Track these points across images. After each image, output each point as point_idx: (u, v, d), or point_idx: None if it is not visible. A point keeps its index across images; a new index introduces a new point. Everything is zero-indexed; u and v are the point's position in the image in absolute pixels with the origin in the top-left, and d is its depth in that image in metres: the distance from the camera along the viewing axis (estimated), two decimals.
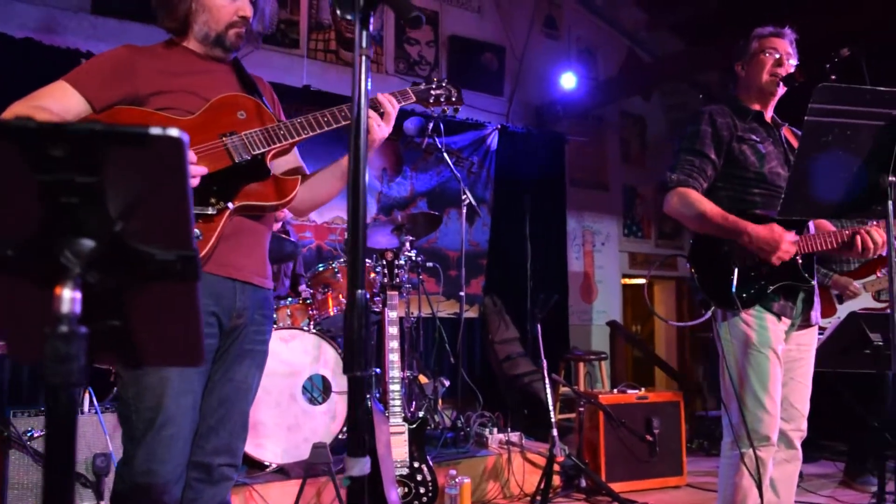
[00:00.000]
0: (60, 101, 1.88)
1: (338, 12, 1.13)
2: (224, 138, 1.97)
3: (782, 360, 2.69)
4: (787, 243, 2.55)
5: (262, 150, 1.99)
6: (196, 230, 1.84)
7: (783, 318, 2.66)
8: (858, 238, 2.66)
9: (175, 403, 1.84)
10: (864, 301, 4.60)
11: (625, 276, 8.77)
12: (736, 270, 2.66)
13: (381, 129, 2.06)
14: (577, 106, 7.72)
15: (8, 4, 5.26)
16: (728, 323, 2.70)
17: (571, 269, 7.97)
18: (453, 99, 2.38)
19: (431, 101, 2.34)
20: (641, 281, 9.33)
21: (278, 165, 2.20)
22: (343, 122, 2.06)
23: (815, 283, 2.70)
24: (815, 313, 2.80)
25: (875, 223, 2.71)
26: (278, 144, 2.02)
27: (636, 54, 8.71)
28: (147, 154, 0.69)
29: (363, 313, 1.01)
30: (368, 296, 4.16)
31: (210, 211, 1.87)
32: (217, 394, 2.02)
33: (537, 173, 7.50)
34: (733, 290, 2.64)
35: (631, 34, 8.70)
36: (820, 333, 4.32)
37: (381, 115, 2.08)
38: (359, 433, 1.05)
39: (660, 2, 8.29)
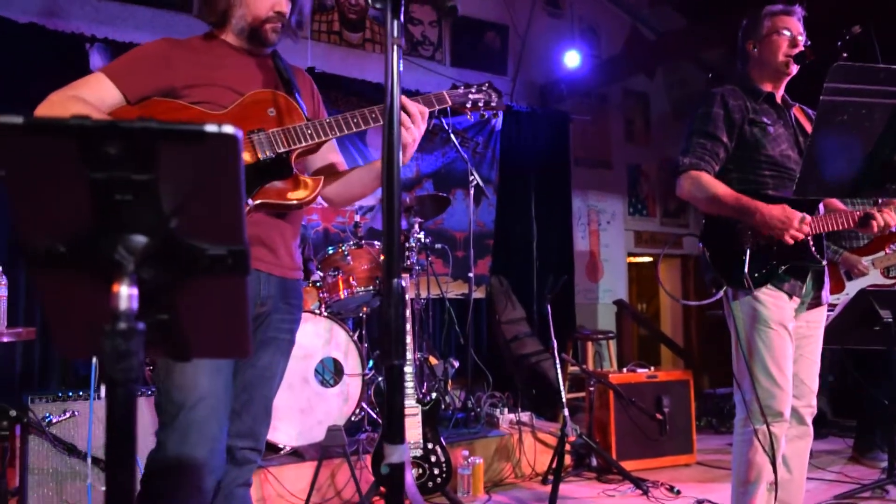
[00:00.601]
0: (96, 92, 1.89)
1: (369, 1, 1.12)
2: (251, 135, 1.98)
3: (793, 336, 2.72)
4: (799, 223, 2.56)
5: (287, 149, 1.99)
6: None
7: (793, 296, 2.69)
8: (873, 221, 2.68)
9: (209, 381, 1.84)
10: (873, 277, 4.61)
11: (630, 254, 8.78)
12: (748, 250, 2.68)
13: (409, 132, 1.99)
14: (581, 84, 7.69)
15: None
16: (739, 301, 2.74)
17: (577, 249, 7.97)
18: (493, 104, 2.28)
19: (469, 105, 2.24)
20: (647, 259, 9.35)
21: (312, 161, 2.23)
22: (373, 124, 2.04)
23: (825, 262, 2.72)
24: (825, 292, 2.83)
25: (884, 203, 2.74)
26: (303, 144, 2.01)
27: (639, 31, 8.66)
28: (201, 151, 0.70)
29: (400, 302, 1.02)
30: (377, 279, 4.16)
31: None
32: (240, 379, 2.02)
33: (542, 153, 7.50)
34: (745, 269, 2.66)
35: (634, 11, 8.64)
36: (830, 310, 4.35)
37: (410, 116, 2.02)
38: (396, 420, 1.06)
39: None
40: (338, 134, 2.03)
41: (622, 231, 8.63)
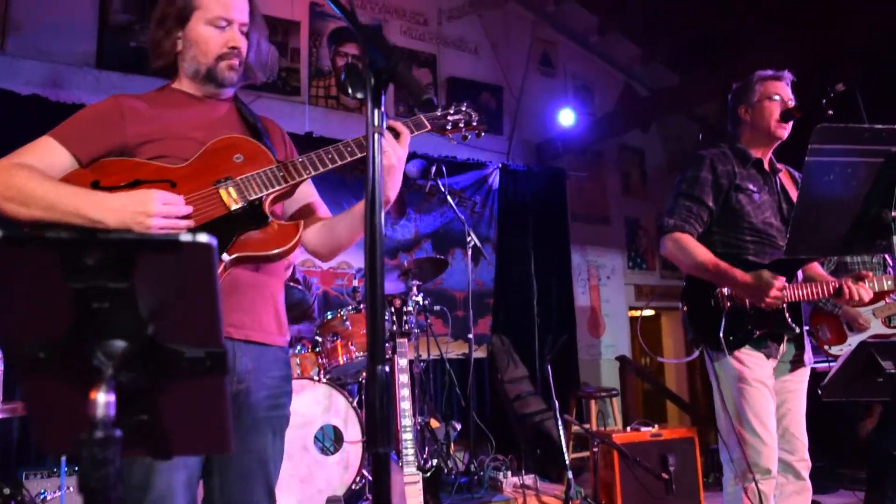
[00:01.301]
0: (45, 157, 1.77)
1: (348, 90, 1.15)
2: (218, 185, 1.83)
3: (776, 393, 2.78)
4: (775, 290, 2.63)
5: (259, 195, 1.84)
6: None
7: (770, 357, 2.76)
8: (846, 289, 2.76)
9: (165, 480, 1.66)
10: (874, 327, 4.59)
11: (631, 308, 8.76)
12: (724, 314, 2.76)
13: (395, 151, 1.86)
14: (577, 142, 7.79)
15: (14, 62, 5.35)
16: (720, 362, 2.81)
17: (578, 304, 7.96)
18: (474, 123, 2.14)
19: (449, 127, 2.11)
20: (650, 312, 9.32)
21: (289, 207, 2.11)
22: (349, 159, 1.91)
23: (802, 330, 2.80)
24: (807, 354, 2.89)
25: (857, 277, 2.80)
26: (277, 188, 1.87)
27: (632, 88, 8.81)
28: (177, 259, 0.72)
29: (385, 389, 1.02)
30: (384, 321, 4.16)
31: None
32: (236, 469, 1.84)
33: (540, 210, 7.56)
34: (721, 332, 2.73)
35: (625, 68, 8.81)
36: (832, 361, 4.32)
37: (396, 136, 1.90)
38: None
39: (651, 35, 8.40)
40: (312, 172, 1.90)
41: (622, 285, 8.63)
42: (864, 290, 2.76)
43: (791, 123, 2.95)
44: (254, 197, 1.84)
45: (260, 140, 1.98)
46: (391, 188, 1.89)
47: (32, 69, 5.41)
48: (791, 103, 2.96)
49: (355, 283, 4.95)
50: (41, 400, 0.82)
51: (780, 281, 2.64)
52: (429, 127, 2.06)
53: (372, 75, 1.10)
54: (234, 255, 1.79)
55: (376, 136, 1.07)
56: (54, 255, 0.69)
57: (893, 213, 2.28)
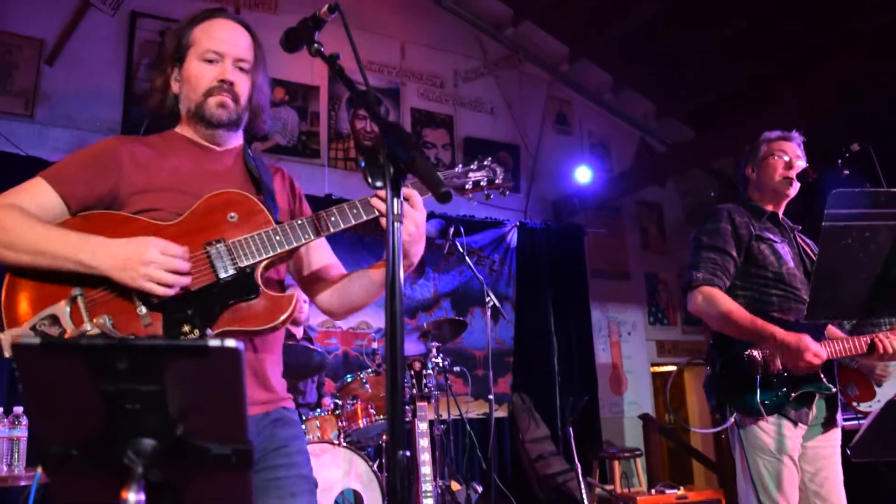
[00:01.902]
0: (36, 199, 1.68)
1: (368, 180, 1.19)
2: (208, 248, 1.69)
3: (810, 461, 2.70)
4: (814, 352, 2.54)
5: (251, 262, 1.70)
6: None
7: (799, 424, 2.66)
8: (878, 343, 2.69)
9: None
10: None
11: (653, 364, 8.67)
12: (758, 377, 2.66)
13: (412, 218, 1.74)
14: (594, 198, 7.84)
15: (43, 130, 5.53)
16: (745, 430, 2.69)
17: (599, 361, 7.90)
18: (498, 181, 1.97)
19: (469, 186, 1.95)
20: (671, 368, 9.22)
21: (298, 266, 2.00)
22: (354, 221, 1.77)
23: (836, 389, 2.70)
24: (839, 414, 2.78)
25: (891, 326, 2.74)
26: (269, 255, 1.72)
27: (648, 143, 8.89)
28: (204, 363, 0.74)
29: (405, 475, 1.03)
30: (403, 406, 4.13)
31: None
32: None
33: (558, 267, 7.58)
34: (757, 397, 2.63)
35: (640, 124, 8.91)
36: (861, 418, 4.24)
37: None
38: None
39: (666, 91, 8.51)
40: (311, 238, 1.75)
41: (644, 341, 8.57)
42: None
43: (797, 182, 2.95)
44: (245, 264, 1.70)
45: (260, 194, 1.86)
46: (413, 255, 1.79)
47: (60, 136, 5.58)
48: (799, 162, 2.96)
49: (375, 344, 4.96)
50: (71, 495, 0.84)
51: (817, 345, 2.57)
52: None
53: (391, 165, 1.14)
54: (218, 331, 1.67)
55: (396, 224, 1.11)
56: (85, 360, 0.72)
57: None
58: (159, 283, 1.57)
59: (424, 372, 3.96)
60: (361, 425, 4.31)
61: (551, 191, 8.09)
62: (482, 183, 1.96)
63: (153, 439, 0.77)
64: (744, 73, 7.51)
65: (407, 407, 4.12)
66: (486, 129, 7.78)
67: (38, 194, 1.69)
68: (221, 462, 0.79)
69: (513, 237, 7.43)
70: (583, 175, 7.68)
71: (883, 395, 4.41)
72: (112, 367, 0.72)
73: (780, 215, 3.00)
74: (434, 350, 4.40)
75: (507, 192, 2.03)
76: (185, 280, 1.62)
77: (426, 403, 3.78)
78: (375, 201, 1.74)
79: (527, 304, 7.31)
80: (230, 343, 0.74)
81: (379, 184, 1.16)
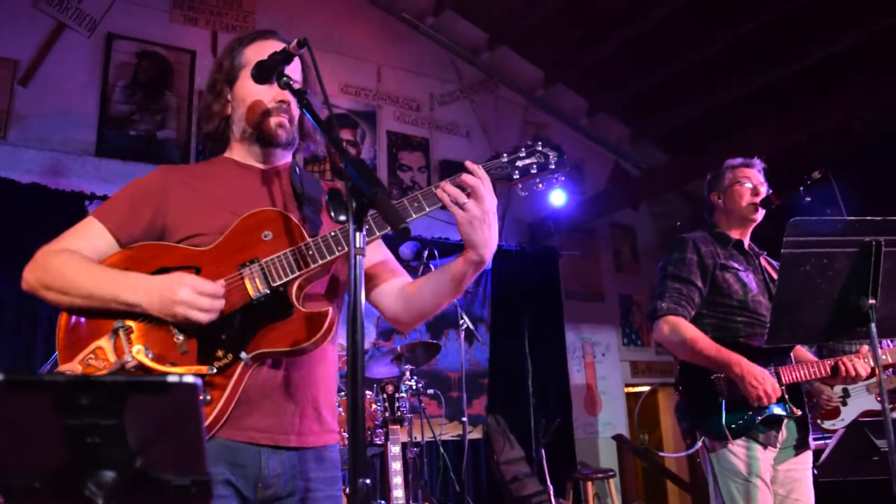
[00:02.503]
0: (87, 240, 1.75)
1: (331, 214, 1.22)
2: (242, 270, 1.67)
3: (782, 483, 2.74)
4: (773, 385, 2.61)
5: (284, 281, 1.65)
6: (205, 395, 1.59)
7: (768, 447, 2.70)
8: (842, 366, 2.74)
9: None
10: (867, 402, 4.56)
11: (627, 385, 8.74)
12: (723, 401, 2.71)
13: (468, 210, 1.62)
14: (568, 220, 7.92)
15: (16, 151, 5.47)
16: (717, 454, 2.74)
17: (573, 382, 7.94)
18: (552, 166, 1.75)
19: (517, 175, 1.74)
20: (645, 388, 9.29)
21: (366, 262, 1.87)
22: (386, 231, 1.67)
23: (801, 413, 2.76)
24: (809, 436, 2.83)
25: (857, 349, 2.80)
26: (302, 271, 1.66)
27: (621, 166, 9.02)
28: (165, 398, 0.77)
29: (366, 502, 1.06)
30: (370, 429, 4.14)
31: (212, 371, 1.58)
32: None
33: (533, 289, 7.63)
34: (723, 420, 2.68)
35: (614, 148, 9.03)
36: (828, 437, 4.29)
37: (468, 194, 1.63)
38: None
39: (639, 115, 8.65)
40: (345, 249, 1.64)
41: (618, 362, 8.63)
42: (862, 366, 2.74)
43: (762, 209, 3.03)
44: (278, 283, 1.65)
45: (300, 209, 1.81)
46: (481, 244, 1.65)
47: (33, 158, 5.53)
48: (762, 188, 3.04)
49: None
50: None
51: (773, 381, 2.64)
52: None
53: (354, 200, 1.18)
54: (252, 354, 1.62)
55: (358, 257, 1.14)
56: (49, 396, 0.75)
57: (871, 301, 2.33)
58: (196, 310, 1.59)
59: (397, 395, 3.98)
60: None
61: (526, 213, 8.16)
62: (532, 170, 1.75)
63: (114, 471, 0.80)
64: (716, 98, 7.66)
65: (380, 430, 4.13)
66: (461, 152, 7.84)
67: (89, 233, 1.77)
68: (181, 493, 0.82)
69: None
70: (557, 198, 7.76)
71: (847, 414, 4.49)
72: (75, 403, 0.75)
73: (747, 242, 3.08)
74: (408, 372, 4.42)
75: (563, 178, 1.79)
76: (220, 303, 1.62)
77: (399, 427, 3.79)
78: (440, 193, 1.65)
79: (502, 325, 7.35)
80: (188, 378, 0.77)
81: (342, 218, 1.20)
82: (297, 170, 1.90)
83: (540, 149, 1.76)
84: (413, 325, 1.92)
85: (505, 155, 1.75)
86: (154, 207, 1.78)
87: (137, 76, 6.04)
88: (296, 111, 1.87)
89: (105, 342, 1.64)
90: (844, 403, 4.66)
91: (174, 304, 1.58)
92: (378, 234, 1.69)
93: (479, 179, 1.63)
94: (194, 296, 1.58)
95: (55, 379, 0.74)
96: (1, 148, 5.42)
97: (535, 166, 1.75)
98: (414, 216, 1.67)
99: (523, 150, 1.76)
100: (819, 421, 4.58)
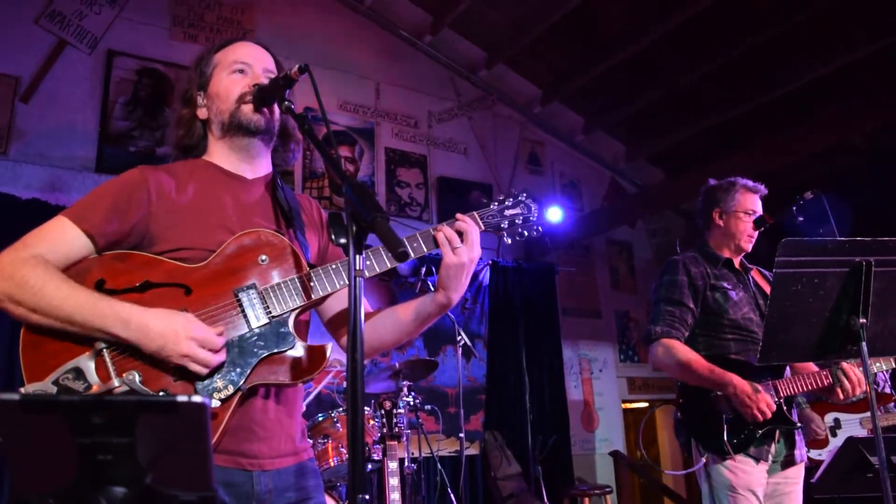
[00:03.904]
0: (59, 246, 1.59)
1: (332, 237, 1.25)
2: (240, 295, 1.62)
3: (769, 495, 2.78)
4: (767, 402, 2.65)
5: (285, 311, 1.63)
6: None
7: (761, 461, 2.74)
8: (841, 375, 2.77)
9: None
10: (861, 434, 4.58)
11: (624, 401, 8.75)
12: (725, 417, 2.75)
13: (459, 255, 1.72)
14: (565, 237, 7.96)
15: (16, 167, 5.50)
16: (711, 468, 2.78)
17: (571, 398, 7.96)
18: (532, 218, 1.91)
19: (505, 225, 1.88)
20: (643, 405, 9.30)
21: (328, 307, 1.91)
22: (390, 265, 1.72)
23: (799, 424, 2.80)
24: (800, 451, 2.88)
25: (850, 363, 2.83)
26: (304, 303, 1.65)
27: (618, 184, 9.08)
28: (175, 418, 0.81)
29: None
30: (367, 445, 4.16)
31: (214, 403, 1.53)
32: None
33: (530, 305, 7.66)
34: (724, 437, 2.72)
35: (611, 165, 9.10)
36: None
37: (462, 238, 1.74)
38: None
39: (636, 134, 8.73)
40: (347, 282, 1.55)
41: (615, 378, 8.65)
42: (852, 371, 2.77)
43: (756, 228, 3.06)
44: (278, 312, 1.62)
45: (292, 232, 1.80)
46: (454, 289, 1.75)
47: (33, 174, 5.56)
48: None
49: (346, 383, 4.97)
50: None
51: (769, 398, 2.68)
52: (482, 228, 1.85)
53: (354, 224, 1.21)
54: (251, 385, 1.60)
55: (358, 280, 1.18)
56: (63, 416, 0.78)
57: (862, 320, 2.37)
58: (198, 364, 1.53)
59: (395, 411, 4.00)
60: (332, 464, 4.32)
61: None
62: (517, 221, 1.89)
63: (124, 488, 0.83)
64: (713, 117, 7.74)
65: (378, 446, 4.15)
66: (459, 168, 7.90)
67: (62, 237, 1.61)
68: None
69: (485, 276, 7.51)
70: (554, 215, 7.80)
71: (837, 444, 4.51)
72: (88, 422, 0.78)
73: (738, 259, 3.11)
74: (405, 389, 4.44)
75: (541, 229, 1.93)
76: (222, 358, 1.56)
77: (396, 443, 3.81)
78: (439, 235, 1.73)
79: (499, 341, 7.37)
80: (197, 399, 0.81)
81: (342, 241, 1.24)
82: (279, 182, 1.90)
83: (523, 200, 1.91)
84: (370, 356, 2.01)
85: (494, 204, 1.89)
86: (137, 212, 1.66)
87: (137, 93, 6.09)
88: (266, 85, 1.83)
89: (83, 362, 1.52)
90: (834, 434, 4.68)
91: (175, 356, 1.51)
92: (378, 270, 1.71)
93: (471, 227, 1.75)
94: (198, 350, 1.52)
95: (70, 400, 0.78)
96: (1, 163, 5.46)
97: (520, 217, 1.89)
98: (412, 256, 1.72)
99: (509, 200, 1.90)
100: (806, 449, 4.60)
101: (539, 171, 8.61)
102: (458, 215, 1.79)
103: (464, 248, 1.72)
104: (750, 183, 3.14)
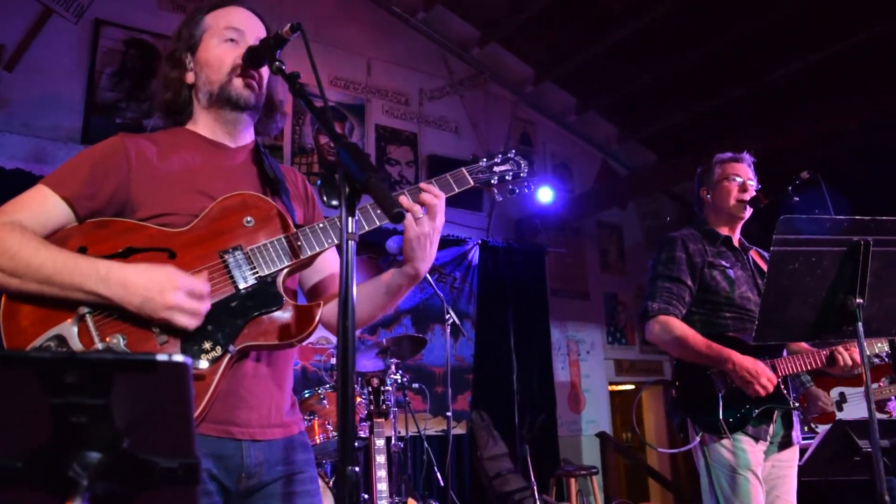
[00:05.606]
0: (38, 213, 1.55)
1: (324, 199, 1.20)
2: (226, 256, 1.59)
3: (764, 478, 2.75)
4: (768, 377, 2.62)
5: (272, 271, 1.60)
6: None
7: (760, 440, 2.71)
8: (839, 356, 2.75)
9: None
10: (863, 411, 4.57)
11: (611, 383, 8.77)
12: (721, 395, 2.73)
13: (420, 226, 1.66)
14: (556, 218, 7.93)
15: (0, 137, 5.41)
16: (709, 447, 2.75)
17: (558, 380, 7.96)
18: (523, 174, 1.89)
19: (495, 181, 1.85)
20: (629, 387, 9.33)
21: (307, 277, 1.88)
22: (377, 224, 1.69)
23: (795, 405, 2.78)
24: (795, 433, 2.86)
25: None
26: (292, 262, 1.61)
27: (609, 166, 9.04)
28: (153, 377, 0.75)
29: (354, 490, 1.05)
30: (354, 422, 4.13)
31: (202, 364, 1.49)
32: None
33: (519, 285, 7.64)
34: (720, 415, 2.69)
35: (603, 146, 9.06)
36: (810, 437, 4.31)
37: (426, 210, 1.68)
38: None
39: (628, 116, 8.68)
40: (336, 241, 1.66)
41: (602, 360, 8.66)
42: (855, 352, 2.75)
43: (751, 208, 3.03)
44: (266, 273, 1.59)
45: (277, 196, 1.76)
46: (421, 259, 1.69)
47: (17, 144, 5.46)
48: (751, 183, 3.05)
49: (333, 360, 4.94)
50: None
51: (770, 372, 2.65)
52: (472, 183, 1.82)
53: (347, 185, 1.16)
54: (241, 346, 1.56)
55: (350, 242, 1.13)
56: (35, 373, 0.73)
57: (858, 300, 2.34)
58: (185, 314, 1.48)
59: (382, 388, 3.96)
60: (318, 441, 4.29)
61: (514, 210, 8.16)
62: (507, 177, 1.87)
63: (100, 453, 0.78)
64: (706, 101, 7.70)
65: (364, 423, 4.11)
66: (450, 147, 7.83)
67: (41, 205, 1.57)
68: (168, 476, 0.80)
69: (474, 255, 7.47)
70: (545, 195, 7.76)
71: (842, 419, 4.51)
72: (61, 380, 0.73)
73: (737, 237, 3.08)
74: (393, 366, 4.40)
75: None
76: (208, 305, 1.52)
77: (384, 420, 3.78)
78: (403, 199, 1.67)
79: (487, 321, 7.35)
80: (178, 357, 0.75)
81: (335, 203, 1.18)
82: (263, 150, 1.86)
83: (513, 157, 1.89)
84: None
85: (484, 160, 1.86)
86: (117, 178, 1.62)
87: (125, 64, 5.97)
88: (264, 74, 1.80)
89: (66, 329, 1.47)
90: (840, 408, 4.68)
91: (161, 309, 1.45)
92: (367, 228, 1.68)
93: (437, 198, 1.69)
94: (185, 299, 1.47)
95: (41, 355, 0.72)
96: None
97: (509, 173, 1.87)
98: (377, 224, 1.69)
99: (499, 156, 1.88)
100: (813, 425, 4.60)
101: (530, 151, 8.55)
102: (423, 185, 1.72)
103: (426, 219, 1.66)
104: (726, 154, 3.13)
